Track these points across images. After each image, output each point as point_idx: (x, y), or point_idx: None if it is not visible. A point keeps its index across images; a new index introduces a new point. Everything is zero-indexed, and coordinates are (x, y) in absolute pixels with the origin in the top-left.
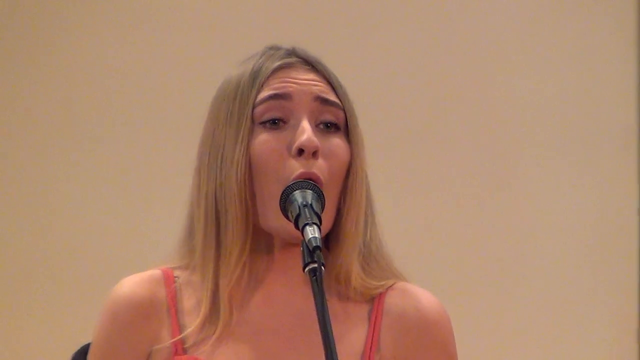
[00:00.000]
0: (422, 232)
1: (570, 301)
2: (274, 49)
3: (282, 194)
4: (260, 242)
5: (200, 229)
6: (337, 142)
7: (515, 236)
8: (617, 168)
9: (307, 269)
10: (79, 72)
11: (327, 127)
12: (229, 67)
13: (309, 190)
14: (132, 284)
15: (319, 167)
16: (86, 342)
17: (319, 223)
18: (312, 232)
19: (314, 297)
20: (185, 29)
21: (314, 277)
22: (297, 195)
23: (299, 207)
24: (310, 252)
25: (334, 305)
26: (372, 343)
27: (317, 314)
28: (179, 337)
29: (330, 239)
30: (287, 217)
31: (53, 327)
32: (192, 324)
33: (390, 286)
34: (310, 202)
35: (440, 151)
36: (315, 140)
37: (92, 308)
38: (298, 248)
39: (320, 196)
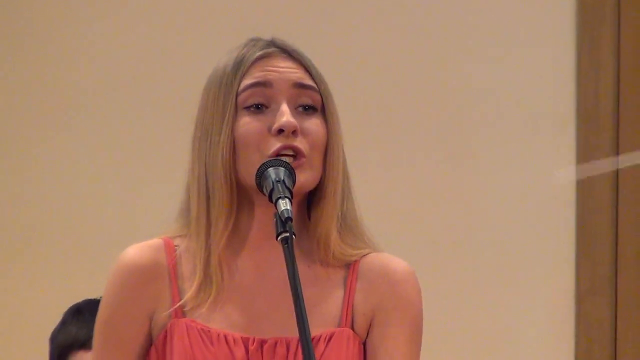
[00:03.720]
0: (383, 204)
1: (515, 263)
2: (255, 40)
3: (257, 171)
4: (247, 212)
5: (194, 204)
6: (314, 121)
7: (469, 205)
8: (557, 147)
9: (279, 237)
10: (79, 44)
11: (305, 110)
12: (218, 53)
13: (282, 168)
14: (136, 250)
15: (300, 143)
16: (78, 300)
17: (290, 197)
18: (284, 205)
19: (286, 262)
20: (177, 17)
21: (286, 245)
22: (271, 172)
23: (273, 183)
24: (283, 223)
25: (316, 270)
26: (347, 305)
27: (289, 277)
28: (179, 303)
29: (311, 210)
30: (261, 192)
31: (45, 288)
32: (190, 289)
33: (365, 255)
34: (282, 178)
35: (403, 131)
36: (294, 120)
37: (85, 268)
38: None
39: (291, 173)
